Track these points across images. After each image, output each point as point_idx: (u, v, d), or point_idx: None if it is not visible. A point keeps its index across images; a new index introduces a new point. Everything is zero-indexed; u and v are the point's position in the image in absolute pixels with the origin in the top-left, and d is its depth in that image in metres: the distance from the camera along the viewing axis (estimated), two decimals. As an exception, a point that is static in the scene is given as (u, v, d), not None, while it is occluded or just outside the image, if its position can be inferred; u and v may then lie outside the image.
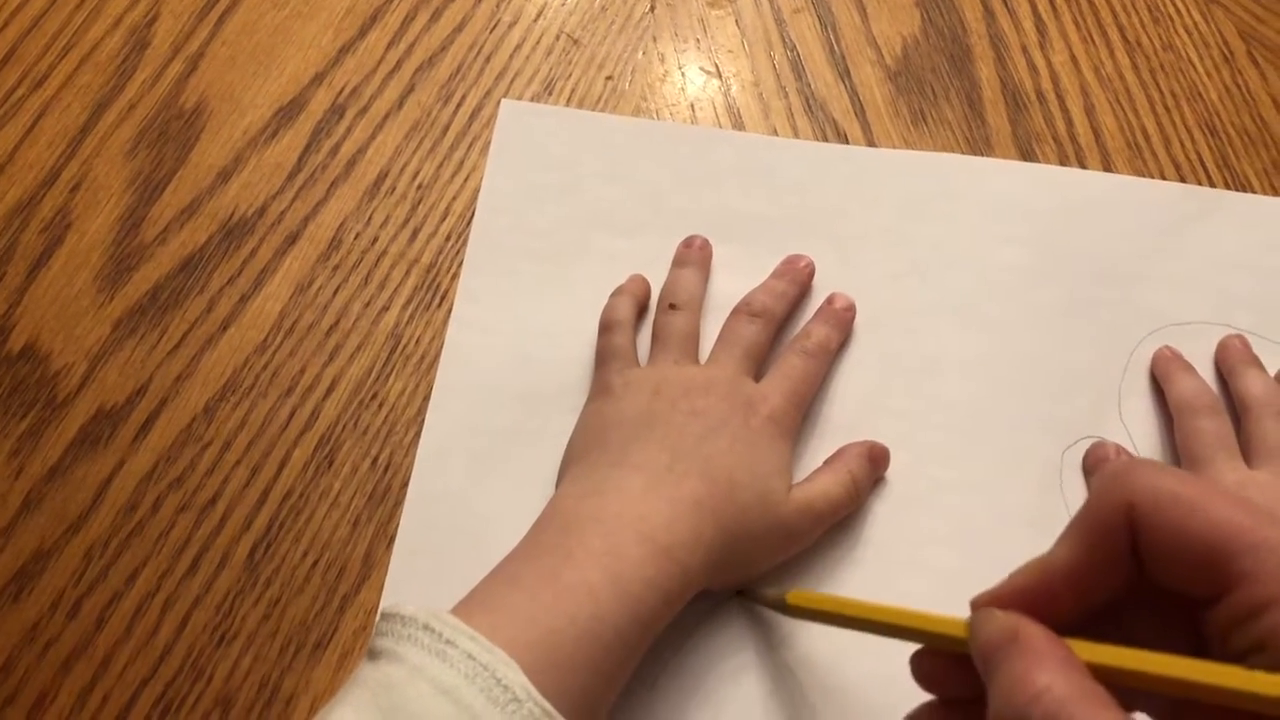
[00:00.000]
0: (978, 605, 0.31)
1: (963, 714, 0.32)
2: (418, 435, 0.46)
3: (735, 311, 0.47)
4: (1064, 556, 0.29)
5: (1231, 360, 0.47)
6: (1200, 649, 0.27)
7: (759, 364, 0.46)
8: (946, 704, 0.33)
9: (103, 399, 0.47)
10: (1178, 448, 0.45)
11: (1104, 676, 0.27)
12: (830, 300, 0.49)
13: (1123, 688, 0.27)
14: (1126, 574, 0.29)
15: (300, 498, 0.45)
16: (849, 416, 0.47)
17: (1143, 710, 0.28)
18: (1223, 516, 0.26)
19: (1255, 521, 0.26)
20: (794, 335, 0.47)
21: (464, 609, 0.35)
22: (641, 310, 0.49)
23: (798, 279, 0.49)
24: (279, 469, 0.46)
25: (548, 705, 0.31)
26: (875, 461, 0.45)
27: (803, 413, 0.45)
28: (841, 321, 0.48)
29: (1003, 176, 0.53)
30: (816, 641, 0.42)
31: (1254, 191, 0.53)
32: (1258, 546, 0.25)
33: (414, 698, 0.30)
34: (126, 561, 0.44)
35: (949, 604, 0.42)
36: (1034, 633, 0.28)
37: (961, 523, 0.44)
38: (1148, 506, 0.27)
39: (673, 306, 0.47)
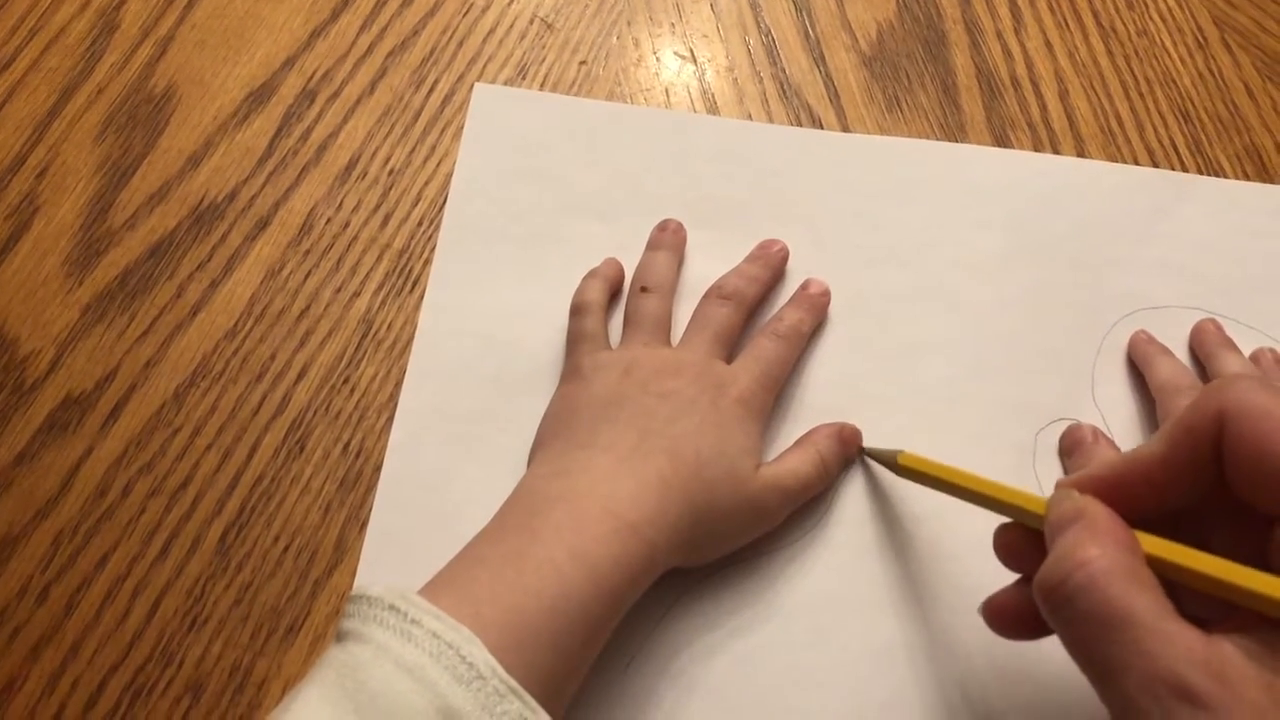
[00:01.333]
0: (1060, 486, 0.33)
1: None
2: (389, 420, 0.46)
3: (707, 295, 0.47)
4: (1150, 453, 0.32)
5: (1207, 343, 0.48)
6: (1265, 566, 0.28)
7: (730, 347, 0.46)
8: (1024, 584, 0.35)
9: (71, 385, 0.47)
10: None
11: (1161, 570, 0.29)
12: (805, 285, 0.49)
13: (1179, 584, 0.29)
14: (1207, 480, 0.30)
15: (271, 483, 0.45)
16: (824, 400, 0.47)
17: (1201, 613, 0.29)
18: None
19: None
20: (767, 319, 0.47)
21: (430, 589, 0.35)
22: (614, 293, 0.49)
23: (770, 263, 0.49)
24: (250, 454, 0.46)
25: (513, 682, 0.31)
26: (845, 442, 0.45)
27: (773, 395, 0.45)
28: (815, 305, 0.48)
29: (977, 162, 0.53)
30: (789, 622, 0.42)
31: (1226, 177, 0.53)
32: None
33: (379, 677, 0.30)
34: (96, 547, 0.44)
35: (922, 583, 0.43)
36: (1099, 511, 0.31)
37: (934, 504, 0.45)
38: (1239, 416, 0.29)
39: (645, 289, 0.47)
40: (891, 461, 0.42)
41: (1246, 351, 0.47)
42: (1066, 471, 0.45)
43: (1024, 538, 0.35)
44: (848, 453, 0.45)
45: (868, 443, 0.45)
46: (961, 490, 0.38)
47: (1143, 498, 0.32)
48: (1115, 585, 0.28)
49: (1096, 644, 0.28)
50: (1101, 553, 0.29)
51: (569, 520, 0.37)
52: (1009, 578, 0.36)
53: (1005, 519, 0.36)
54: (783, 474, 0.42)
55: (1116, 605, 0.27)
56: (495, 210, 0.51)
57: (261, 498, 0.45)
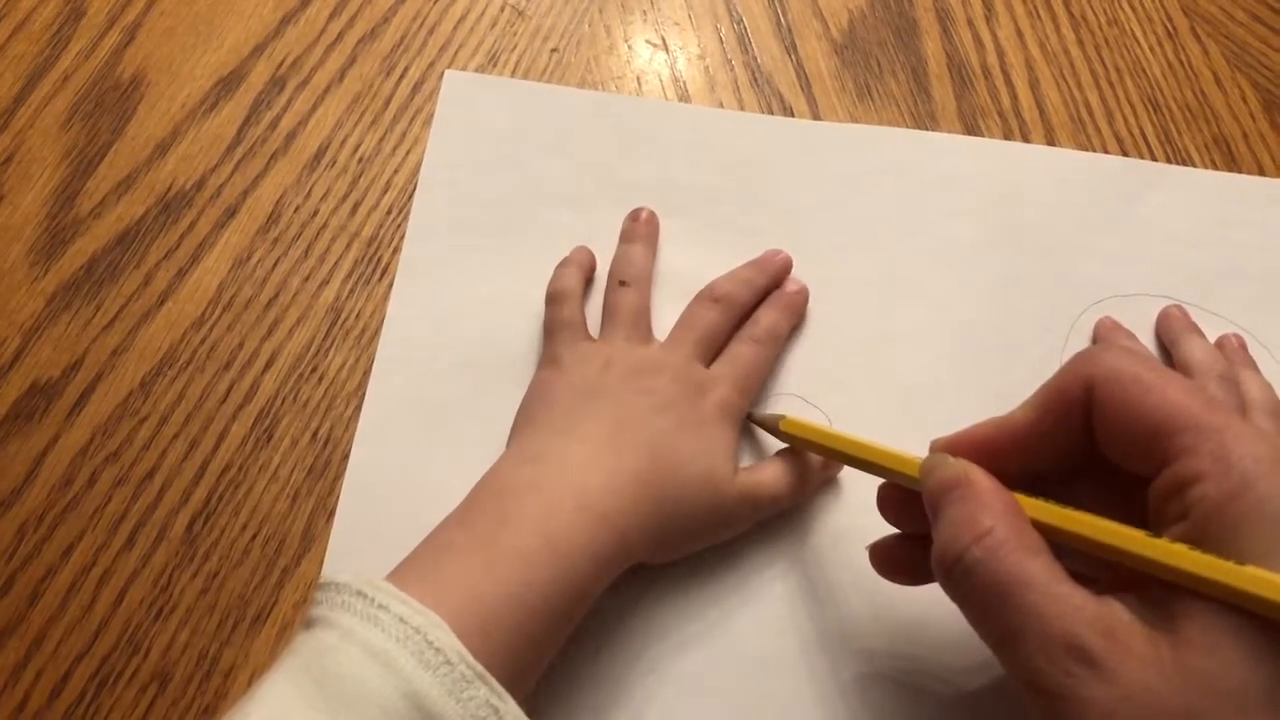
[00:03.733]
0: (936, 448, 0.35)
1: (920, 549, 0.35)
2: (358, 409, 0.46)
3: (699, 295, 0.47)
4: (1021, 417, 0.33)
5: (1173, 329, 0.48)
6: (1136, 524, 0.30)
7: (714, 350, 0.46)
8: (905, 538, 0.38)
9: (37, 374, 0.47)
10: None
11: (1045, 533, 0.31)
12: (783, 285, 0.49)
13: (1054, 542, 0.30)
14: (1075, 444, 0.32)
15: (239, 471, 0.45)
16: (793, 387, 0.47)
17: (1086, 571, 0.30)
18: (1174, 398, 0.29)
19: (1203, 406, 0.29)
20: (746, 322, 0.47)
21: (398, 575, 0.35)
22: (588, 281, 0.49)
23: (769, 269, 0.48)
24: (217, 443, 0.46)
25: (480, 667, 0.31)
26: (828, 467, 0.45)
27: (751, 400, 0.45)
28: (792, 306, 0.48)
29: (947, 150, 0.53)
30: (759, 609, 0.42)
31: (1195, 166, 0.53)
32: (1201, 427, 0.28)
33: (345, 662, 0.30)
34: (61, 536, 0.44)
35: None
36: (982, 479, 0.32)
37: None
38: (1107, 382, 0.30)
39: (623, 283, 0.47)
40: (774, 427, 0.43)
41: (1212, 336, 0.48)
42: None
43: (904, 496, 0.36)
44: (829, 472, 0.45)
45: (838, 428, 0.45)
46: (843, 455, 0.39)
47: (1012, 460, 0.33)
48: (1010, 555, 0.29)
49: (995, 613, 0.29)
50: (994, 524, 0.30)
51: (539, 508, 0.37)
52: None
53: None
54: (758, 484, 0.42)
55: (1012, 574, 0.29)
56: (465, 198, 0.51)
57: (229, 487, 0.45)
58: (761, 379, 0.46)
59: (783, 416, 0.42)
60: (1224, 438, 0.28)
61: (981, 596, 0.30)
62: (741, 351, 0.46)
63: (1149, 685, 0.26)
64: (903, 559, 0.38)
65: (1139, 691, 0.26)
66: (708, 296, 0.47)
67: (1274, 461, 0.27)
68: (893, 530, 0.38)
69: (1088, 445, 0.32)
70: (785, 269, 0.49)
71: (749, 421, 0.45)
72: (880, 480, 0.38)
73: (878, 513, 0.43)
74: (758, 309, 0.48)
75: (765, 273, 0.48)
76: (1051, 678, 0.27)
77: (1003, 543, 0.29)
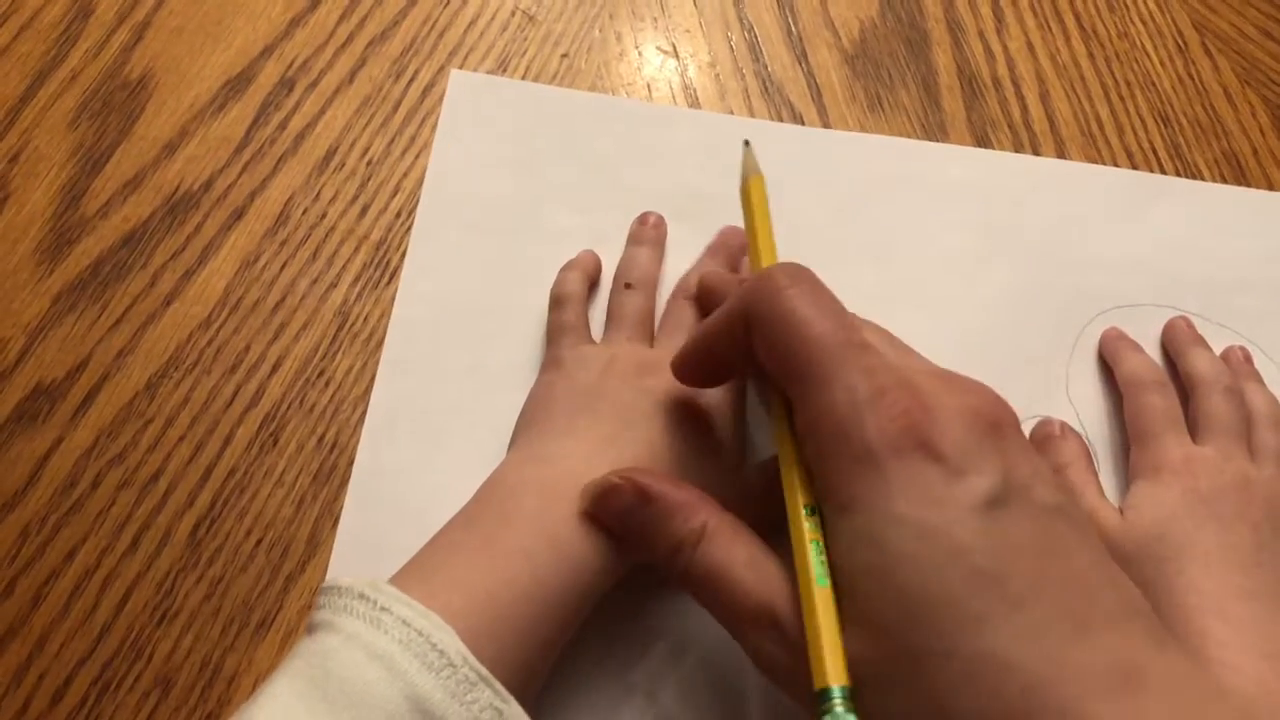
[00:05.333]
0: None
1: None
2: (365, 414, 0.46)
3: (674, 294, 0.47)
4: (703, 329, 0.36)
5: (1179, 341, 0.48)
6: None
7: None
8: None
9: (41, 374, 0.46)
10: (1126, 423, 0.46)
11: None
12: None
13: None
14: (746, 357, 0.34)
15: (244, 475, 0.45)
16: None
17: None
18: (814, 335, 0.31)
19: (839, 349, 0.31)
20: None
21: (401, 577, 0.35)
22: (592, 285, 0.49)
23: (733, 254, 0.49)
24: (223, 446, 0.45)
25: (483, 670, 0.31)
26: None
27: (746, 395, 0.45)
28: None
29: (955, 161, 0.53)
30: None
31: (1204, 181, 0.53)
32: (835, 366, 0.30)
33: (348, 665, 0.30)
34: (65, 539, 0.43)
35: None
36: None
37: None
38: (761, 320, 0.33)
39: (628, 286, 0.47)
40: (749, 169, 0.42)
41: (1217, 348, 0.48)
42: None
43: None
44: None
45: None
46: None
47: (708, 363, 0.37)
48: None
49: None
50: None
51: (542, 507, 0.37)
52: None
53: None
54: (762, 482, 0.42)
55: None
56: (471, 200, 0.51)
57: (234, 491, 0.44)
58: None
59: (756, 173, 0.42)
60: None
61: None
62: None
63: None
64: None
65: None
66: (684, 295, 0.47)
67: None
68: None
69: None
70: (743, 248, 0.49)
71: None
72: None
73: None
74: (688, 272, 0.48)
75: (731, 258, 0.49)
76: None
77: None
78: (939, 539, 0.27)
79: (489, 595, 0.33)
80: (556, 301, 0.47)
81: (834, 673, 0.28)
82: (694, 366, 0.38)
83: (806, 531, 0.31)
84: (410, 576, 0.35)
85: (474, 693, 0.30)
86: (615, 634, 0.41)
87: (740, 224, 0.49)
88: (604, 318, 0.48)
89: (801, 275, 0.33)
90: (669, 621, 0.42)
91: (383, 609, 0.31)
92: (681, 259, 0.50)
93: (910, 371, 0.31)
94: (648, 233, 0.49)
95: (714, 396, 0.43)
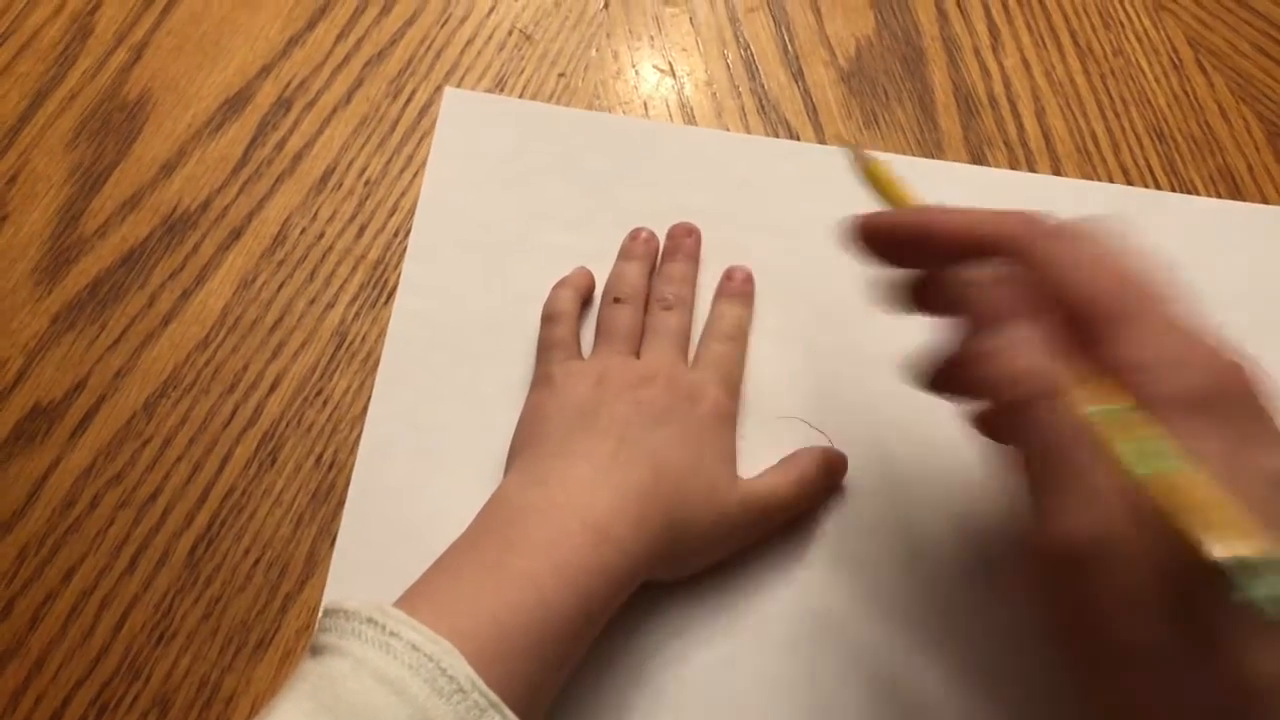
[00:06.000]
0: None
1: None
2: (362, 432, 0.46)
3: (650, 305, 0.48)
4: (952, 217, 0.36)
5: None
6: None
7: (687, 351, 0.47)
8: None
9: (39, 395, 0.46)
10: None
11: None
12: (729, 275, 0.50)
13: None
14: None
15: (242, 495, 0.45)
16: (792, 409, 0.47)
17: None
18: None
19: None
20: (708, 320, 0.48)
21: (407, 601, 0.34)
22: (585, 302, 0.49)
23: (691, 253, 0.50)
24: (221, 466, 0.45)
25: (493, 695, 0.31)
26: (830, 467, 0.44)
27: (738, 399, 0.46)
28: (747, 296, 0.49)
29: (949, 177, 0.53)
30: (760, 632, 0.42)
31: (1200, 197, 0.53)
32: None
33: (357, 690, 0.30)
34: (63, 559, 0.43)
35: (895, 593, 0.43)
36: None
37: (907, 512, 0.45)
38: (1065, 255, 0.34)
39: (618, 300, 0.47)
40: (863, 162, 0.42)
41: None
42: None
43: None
44: (833, 479, 0.45)
45: (854, 462, 0.45)
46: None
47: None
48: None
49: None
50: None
51: (547, 531, 0.37)
52: (986, 574, 0.40)
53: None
54: (761, 492, 0.42)
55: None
56: (465, 217, 0.51)
57: (232, 510, 0.44)
58: (741, 374, 0.47)
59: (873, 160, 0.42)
60: None
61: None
62: (720, 351, 0.46)
63: None
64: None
65: None
66: (660, 305, 0.47)
67: None
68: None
69: None
70: (698, 243, 0.50)
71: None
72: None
73: (884, 534, 0.43)
74: (718, 303, 0.49)
75: (690, 259, 0.50)
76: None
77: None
78: None
79: (496, 620, 0.33)
80: (548, 318, 0.47)
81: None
82: (894, 236, 0.37)
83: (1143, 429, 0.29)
84: (416, 600, 0.35)
85: (484, 718, 0.30)
86: (616, 653, 0.42)
87: (744, 244, 0.50)
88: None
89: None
90: (669, 640, 0.42)
91: (391, 633, 0.31)
92: (677, 276, 0.50)
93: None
94: (638, 247, 0.50)
95: (707, 404, 0.43)
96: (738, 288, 0.49)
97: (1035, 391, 0.31)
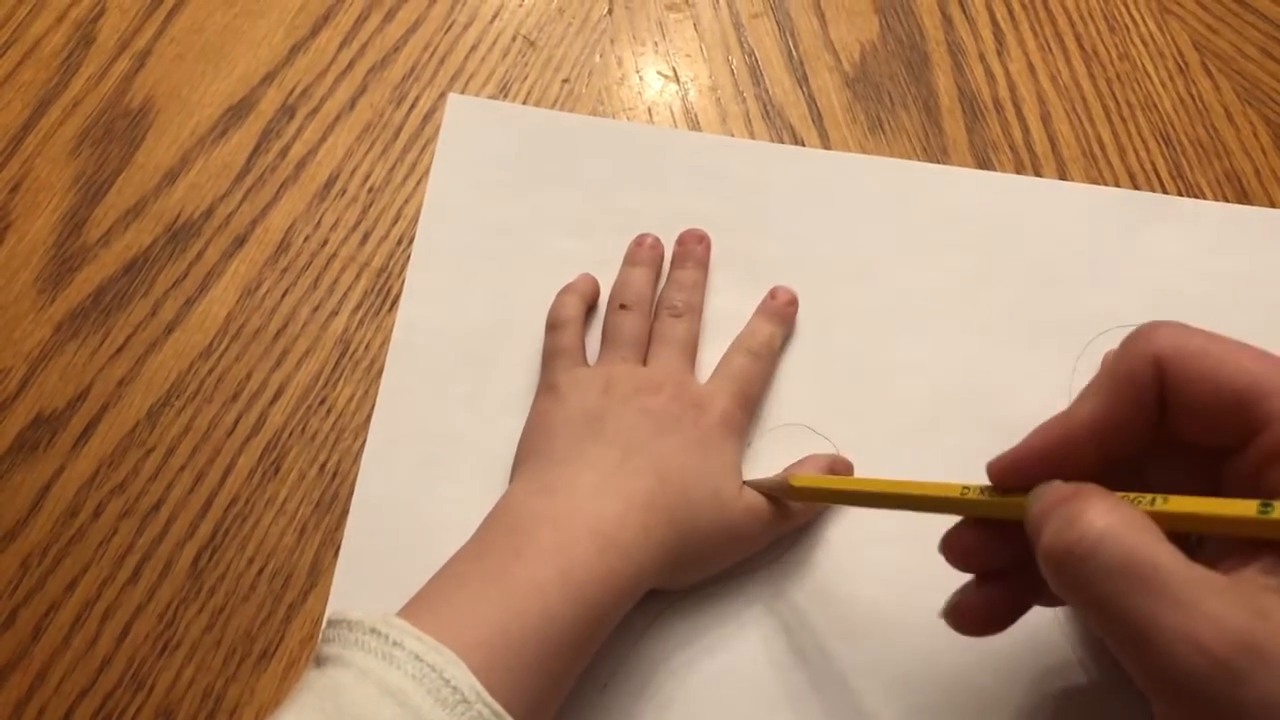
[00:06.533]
0: (996, 469, 0.33)
1: (1002, 590, 0.34)
2: (366, 441, 0.46)
3: (658, 313, 0.47)
4: (1088, 411, 0.31)
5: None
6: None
7: (695, 360, 0.46)
8: (983, 582, 0.35)
9: (42, 404, 0.46)
10: None
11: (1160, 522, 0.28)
12: (772, 294, 0.49)
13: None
14: (1149, 429, 0.30)
15: (246, 504, 0.45)
16: (799, 416, 0.47)
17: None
18: (1253, 365, 0.28)
19: None
20: (739, 333, 0.47)
21: (411, 611, 0.34)
22: (590, 309, 0.49)
23: (700, 260, 0.49)
24: (224, 475, 0.45)
25: (497, 706, 0.31)
26: (836, 474, 0.44)
27: (751, 413, 0.45)
28: (785, 317, 0.48)
29: (954, 182, 0.53)
30: (766, 641, 0.42)
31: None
32: None
33: (360, 701, 0.30)
34: (66, 569, 0.43)
35: (901, 603, 0.42)
36: (1093, 486, 0.29)
37: (911, 523, 0.44)
38: (1177, 359, 0.29)
39: (623, 306, 0.47)
40: (783, 488, 0.41)
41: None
42: None
43: (978, 534, 0.34)
44: None
45: (860, 469, 0.45)
46: (878, 497, 0.37)
47: (1086, 458, 0.31)
48: (1134, 535, 0.26)
49: (1124, 599, 0.26)
50: (1112, 507, 0.27)
51: (553, 539, 0.37)
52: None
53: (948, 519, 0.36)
54: (767, 500, 0.42)
55: (1141, 554, 0.26)
56: (469, 224, 0.51)
57: (235, 520, 0.44)
58: (761, 392, 0.46)
59: (788, 479, 0.41)
60: None
61: (1105, 582, 0.26)
62: (741, 364, 0.46)
63: None
64: (983, 608, 0.35)
65: None
66: (669, 312, 0.47)
67: None
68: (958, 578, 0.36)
69: (1157, 427, 0.30)
70: (708, 250, 0.50)
71: (750, 486, 0.43)
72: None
73: (887, 542, 0.43)
74: (753, 319, 0.48)
75: (700, 265, 0.49)
76: (1201, 675, 0.24)
77: (1126, 523, 0.27)
78: None
79: (501, 629, 0.33)
80: (552, 325, 0.47)
81: None
82: (1059, 464, 0.31)
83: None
84: (420, 609, 0.34)
85: None
86: (622, 662, 0.41)
87: (748, 249, 0.50)
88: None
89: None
90: (675, 650, 0.42)
91: (395, 644, 0.31)
92: (682, 282, 0.49)
93: None
94: (644, 253, 0.49)
95: (714, 413, 0.43)
96: (779, 308, 0.48)
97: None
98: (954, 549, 0.35)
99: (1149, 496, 0.29)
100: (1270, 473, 0.28)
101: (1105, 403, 0.31)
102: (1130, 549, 0.26)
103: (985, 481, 0.34)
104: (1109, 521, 0.27)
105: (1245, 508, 0.27)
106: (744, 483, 0.43)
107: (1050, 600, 0.35)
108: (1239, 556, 0.27)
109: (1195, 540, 0.30)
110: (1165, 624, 0.25)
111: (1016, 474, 0.32)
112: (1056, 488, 0.30)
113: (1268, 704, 0.23)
